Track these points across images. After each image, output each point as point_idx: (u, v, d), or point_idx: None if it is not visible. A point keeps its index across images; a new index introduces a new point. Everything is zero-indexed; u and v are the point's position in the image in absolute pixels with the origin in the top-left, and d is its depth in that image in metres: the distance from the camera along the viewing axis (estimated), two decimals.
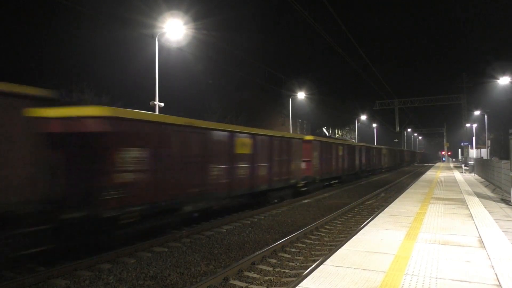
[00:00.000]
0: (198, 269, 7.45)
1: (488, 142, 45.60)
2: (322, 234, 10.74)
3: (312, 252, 8.81)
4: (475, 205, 11.39)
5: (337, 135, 63.39)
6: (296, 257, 8.37)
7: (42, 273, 6.75)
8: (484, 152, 44.56)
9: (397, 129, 53.04)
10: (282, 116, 51.87)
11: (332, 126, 65.64)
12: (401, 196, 13.97)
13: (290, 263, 7.91)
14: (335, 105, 59.54)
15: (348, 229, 11.40)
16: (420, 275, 4.83)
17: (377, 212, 12.74)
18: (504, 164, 15.84)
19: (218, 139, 11.85)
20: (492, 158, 34.12)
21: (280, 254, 8.53)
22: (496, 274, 4.85)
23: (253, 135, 13.82)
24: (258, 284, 6.63)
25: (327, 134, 58.99)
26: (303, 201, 17.44)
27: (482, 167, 26.06)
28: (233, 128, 13.11)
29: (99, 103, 26.12)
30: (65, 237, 7.75)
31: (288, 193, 17.03)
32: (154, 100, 16.99)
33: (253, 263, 7.62)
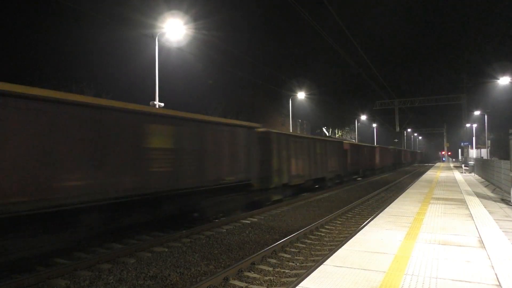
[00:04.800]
0: (198, 269, 7.45)
1: (488, 142, 45.62)
2: (322, 234, 10.74)
3: (312, 252, 8.81)
4: (475, 205, 11.39)
5: (337, 135, 63.35)
6: (296, 257, 8.37)
7: (42, 273, 6.75)
8: (484, 152, 44.58)
9: (397, 129, 53.08)
10: (282, 116, 51.86)
11: (332, 126, 65.63)
12: (401, 196, 13.96)
13: (290, 263, 7.91)
14: (335, 105, 59.54)
15: (348, 229, 11.40)
16: (420, 275, 4.82)
17: (377, 212, 12.74)
18: (504, 164, 15.85)
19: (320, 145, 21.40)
20: (492, 158, 34.11)
21: (280, 254, 8.53)
22: (496, 274, 4.84)
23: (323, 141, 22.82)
24: (258, 284, 6.63)
25: (327, 134, 58.99)
26: (303, 201, 17.45)
27: (482, 167, 26.06)
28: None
29: None
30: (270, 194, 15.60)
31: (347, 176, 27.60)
32: (154, 100, 17.01)
33: (253, 263, 7.62)
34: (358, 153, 30.73)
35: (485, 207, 11.03)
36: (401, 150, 60.74)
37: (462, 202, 11.90)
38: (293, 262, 7.99)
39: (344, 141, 27.96)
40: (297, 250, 8.89)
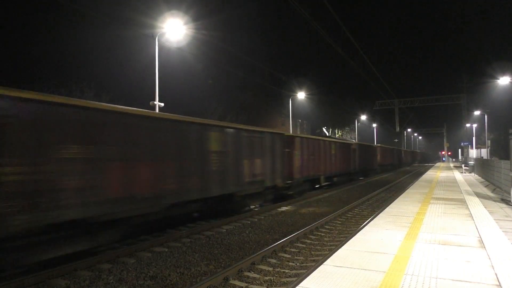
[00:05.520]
0: (198, 269, 7.45)
1: (488, 142, 45.64)
2: (322, 234, 10.74)
3: (312, 252, 8.81)
4: (475, 205, 11.39)
5: (337, 135, 63.33)
6: (296, 257, 8.37)
7: (42, 273, 6.75)
8: (484, 152, 44.63)
9: (397, 129, 53.08)
10: (282, 116, 51.89)
11: (332, 126, 65.63)
12: (401, 196, 13.96)
13: (290, 263, 7.91)
14: (335, 105, 59.51)
15: (348, 229, 11.40)
16: (420, 275, 4.82)
17: (377, 212, 12.74)
18: (504, 164, 15.85)
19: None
20: (492, 158, 34.12)
21: (280, 254, 8.53)
22: (496, 274, 4.84)
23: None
24: (258, 284, 6.63)
25: (327, 134, 58.92)
26: (303, 201, 17.45)
27: (482, 167, 26.06)
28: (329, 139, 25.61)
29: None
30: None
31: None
32: (154, 100, 17.00)
33: (253, 263, 7.62)
34: (319, 153, 21.30)
35: (485, 207, 11.03)
36: (394, 149, 54.61)
37: (462, 202, 11.89)
38: (293, 262, 7.99)
39: (290, 135, 18.37)
40: (297, 250, 8.89)
